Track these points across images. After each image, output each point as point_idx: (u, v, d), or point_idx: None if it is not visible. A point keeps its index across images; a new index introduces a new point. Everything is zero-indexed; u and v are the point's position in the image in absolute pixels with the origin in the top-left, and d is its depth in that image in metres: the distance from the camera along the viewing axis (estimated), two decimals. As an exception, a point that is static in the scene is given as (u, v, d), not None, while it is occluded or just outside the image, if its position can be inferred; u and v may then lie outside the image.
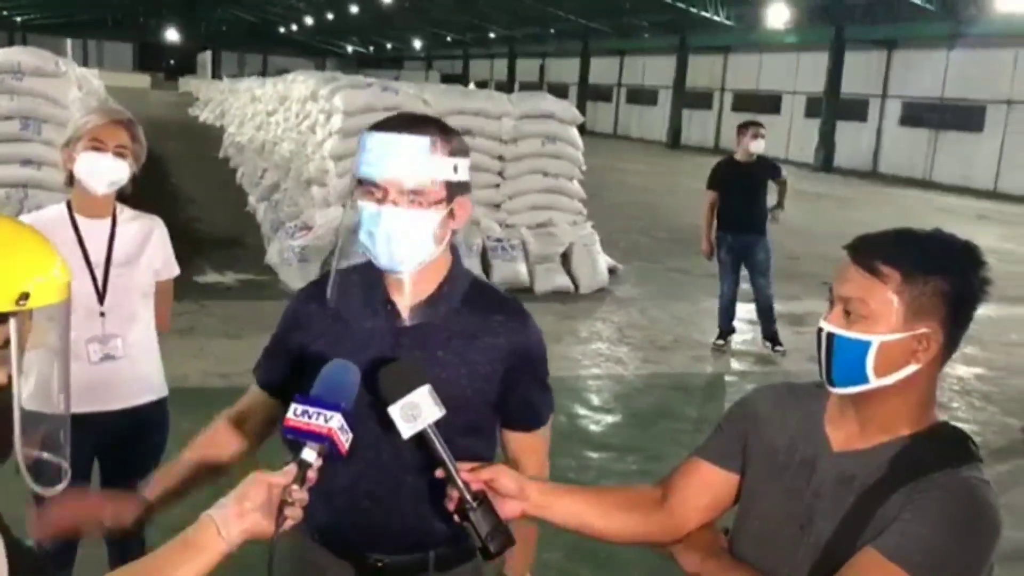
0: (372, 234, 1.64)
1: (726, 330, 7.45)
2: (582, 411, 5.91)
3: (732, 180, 7.24)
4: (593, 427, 5.67)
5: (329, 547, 1.79)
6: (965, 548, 1.32)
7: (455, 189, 1.67)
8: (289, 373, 1.78)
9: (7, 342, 0.98)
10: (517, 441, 1.85)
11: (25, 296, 0.95)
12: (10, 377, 0.99)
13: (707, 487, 1.61)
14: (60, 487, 1.11)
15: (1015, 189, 21.96)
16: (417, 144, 1.62)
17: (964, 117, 24.94)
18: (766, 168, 7.39)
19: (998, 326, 8.27)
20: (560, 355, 7.00)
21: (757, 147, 7.17)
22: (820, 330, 1.44)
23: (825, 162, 27.57)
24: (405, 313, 1.71)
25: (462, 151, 1.70)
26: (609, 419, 5.83)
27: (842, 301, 1.41)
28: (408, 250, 1.65)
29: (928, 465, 1.38)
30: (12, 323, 0.96)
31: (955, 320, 1.39)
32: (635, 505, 1.63)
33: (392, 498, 1.73)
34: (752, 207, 7.20)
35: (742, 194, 7.16)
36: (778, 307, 9.06)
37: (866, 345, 1.38)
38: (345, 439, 1.41)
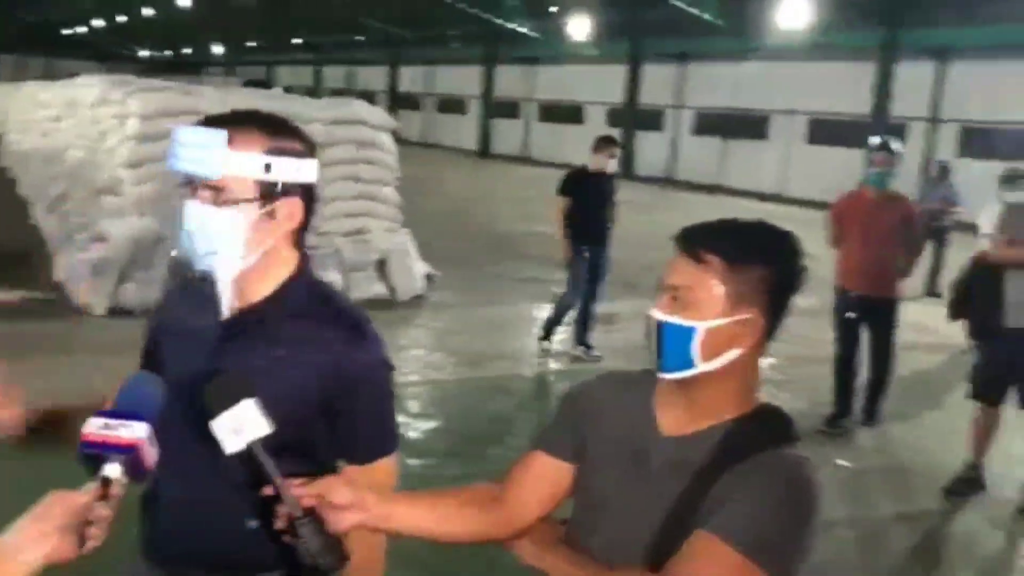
0: (184, 231, 1.58)
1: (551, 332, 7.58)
2: (401, 419, 5.81)
3: (587, 191, 7.28)
4: (413, 434, 5.61)
5: (162, 566, 1.69)
6: (790, 523, 1.39)
7: (271, 189, 1.57)
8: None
9: None
10: (355, 474, 1.66)
11: None
12: None
13: (544, 479, 1.61)
14: None
15: (798, 192, 23.76)
16: (212, 137, 1.55)
17: (751, 126, 26.77)
18: (611, 182, 7.53)
19: (788, 318, 8.87)
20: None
21: (613, 167, 7.35)
22: (650, 318, 1.48)
23: (626, 169, 28.76)
24: (224, 319, 1.61)
25: (288, 151, 1.59)
26: (430, 425, 5.80)
27: (671, 289, 1.46)
28: (209, 248, 1.56)
29: (753, 446, 1.44)
30: None
31: (775, 306, 1.46)
32: (474, 504, 1.61)
33: (221, 519, 1.63)
34: (604, 218, 7.39)
35: (598, 206, 7.30)
36: (588, 308, 9.36)
37: (692, 331, 1.43)
38: (151, 452, 1.31)
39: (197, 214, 1.56)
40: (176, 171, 1.58)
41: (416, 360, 7.18)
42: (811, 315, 9.18)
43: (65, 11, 53.81)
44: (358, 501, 1.47)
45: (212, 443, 1.41)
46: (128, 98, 8.42)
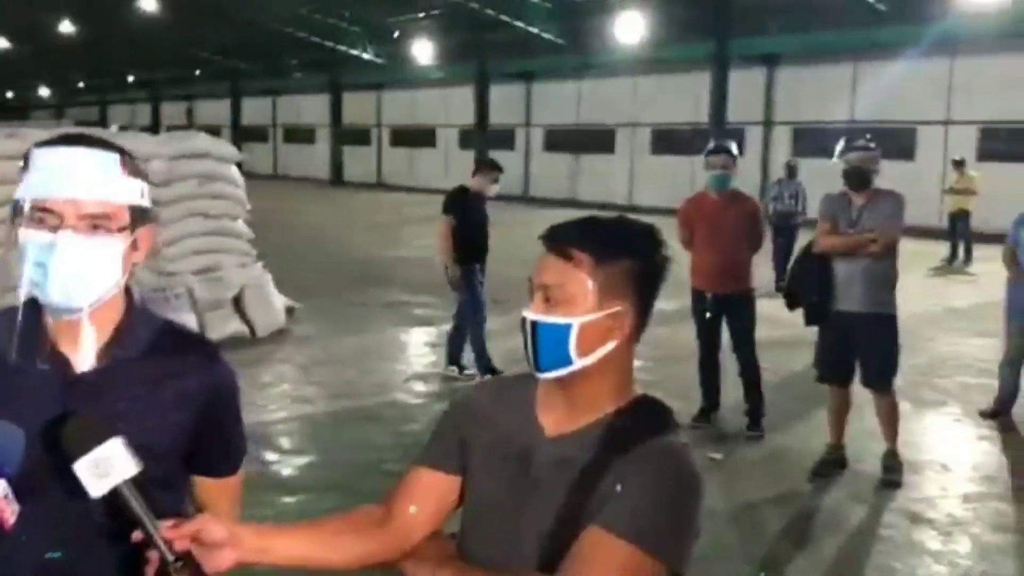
0: (44, 266, 1.40)
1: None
2: (273, 456, 5.63)
3: (472, 210, 7.20)
4: (287, 471, 5.41)
5: None
6: (677, 509, 1.40)
7: (140, 216, 1.49)
8: None
9: None
10: (211, 487, 1.68)
11: None
12: None
13: (430, 493, 1.58)
14: None
15: (646, 201, 24.54)
16: (105, 160, 1.43)
17: (598, 140, 27.53)
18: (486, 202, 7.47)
19: (653, 321, 9.11)
20: (243, 403, 6.61)
21: (494, 191, 7.39)
22: (524, 319, 1.46)
23: (482, 189, 29.03)
24: (77, 362, 1.48)
25: (145, 175, 1.51)
26: (302, 460, 5.61)
27: (542, 289, 1.46)
28: (88, 286, 1.43)
29: (634, 437, 1.45)
30: None
31: (644, 296, 1.48)
32: (358, 527, 1.55)
33: (92, 572, 1.50)
34: (487, 237, 7.30)
35: (482, 224, 7.21)
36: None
37: (567, 328, 1.43)
38: (11, 510, 1.21)
39: (74, 246, 1.40)
40: (41, 199, 1.40)
41: (283, 396, 6.95)
42: (673, 317, 9.51)
43: None
44: (232, 538, 1.39)
45: (72, 493, 1.33)
46: (-55, 144, 7.81)
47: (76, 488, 1.32)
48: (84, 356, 1.48)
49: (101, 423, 1.35)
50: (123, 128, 13.47)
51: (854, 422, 5.57)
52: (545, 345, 1.45)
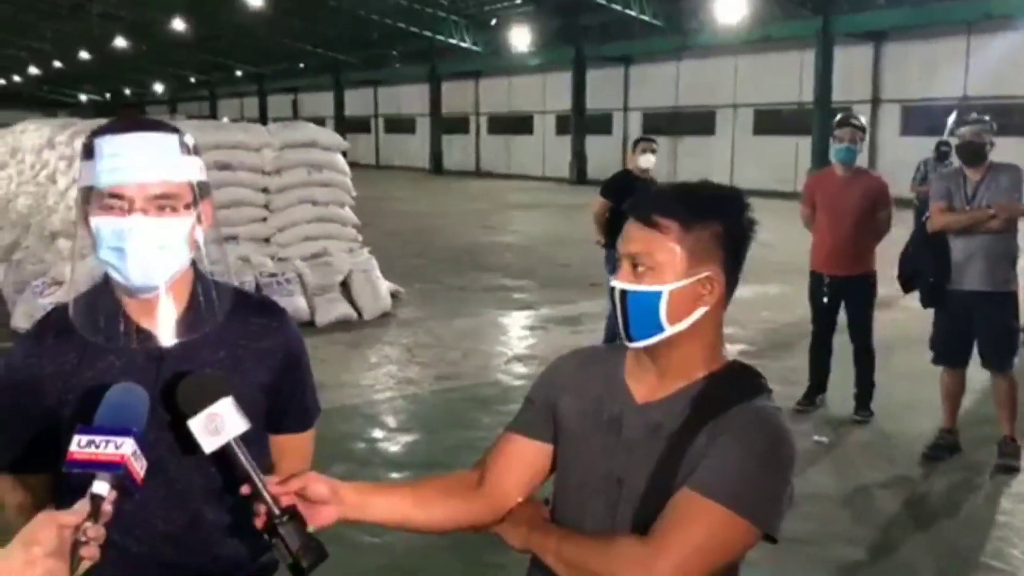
0: (121, 251, 1.46)
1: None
2: (380, 434, 5.81)
3: (628, 194, 7.10)
4: (393, 448, 5.58)
5: None
6: (769, 472, 1.42)
7: (202, 191, 1.54)
8: (36, 444, 1.58)
9: None
10: (286, 443, 1.74)
11: None
12: None
13: (522, 461, 1.61)
14: None
15: (747, 182, 24.00)
16: (166, 142, 1.48)
17: (697, 122, 27.08)
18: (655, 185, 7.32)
19: (750, 306, 9.00)
20: (351, 383, 6.86)
21: (645, 161, 7.08)
22: (613, 289, 1.49)
23: (579, 175, 28.95)
24: (161, 335, 1.55)
25: (198, 150, 1.57)
26: (408, 438, 5.76)
27: (629, 258, 1.47)
28: (165, 265, 1.49)
29: (726, 401, 1.46)
30: None
31: (732, 260, 1.49)
32: (453, 491, 1.60)
33: (193, 533, 1.59)
34: None
35: None
36: (553, 311, 9.42)
37: (657, 295, 1.45)
38: (139, 466, 1.28)
39: (149, 228, 1.46)
40: (110, 186, 1.45)
41: (389, 376, 7.14)
42: (779, 301, 9.35)
43: (-1, 61, 52.92)
44: (334, 495, 1.46)
45: (176, 454, 1.42)
46: (75, 139, 8.30)
47: (178, 452, 1.40)
48: (166, 330, 1.55)
49: (214, 382, 1.42)
50: (233, 121, 13.96)
51: (969, 406, 5.39)
52: (636, 313, 1.47)
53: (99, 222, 1.47)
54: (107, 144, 1.46)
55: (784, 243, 11.04)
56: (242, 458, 1.39)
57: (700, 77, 26.67)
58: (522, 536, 1.56)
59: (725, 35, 23.81)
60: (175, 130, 1.52)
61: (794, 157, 23.56)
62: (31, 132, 11.64)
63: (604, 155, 29.10)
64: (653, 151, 7.11)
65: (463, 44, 32.83)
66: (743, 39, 23.71)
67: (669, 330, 1.46)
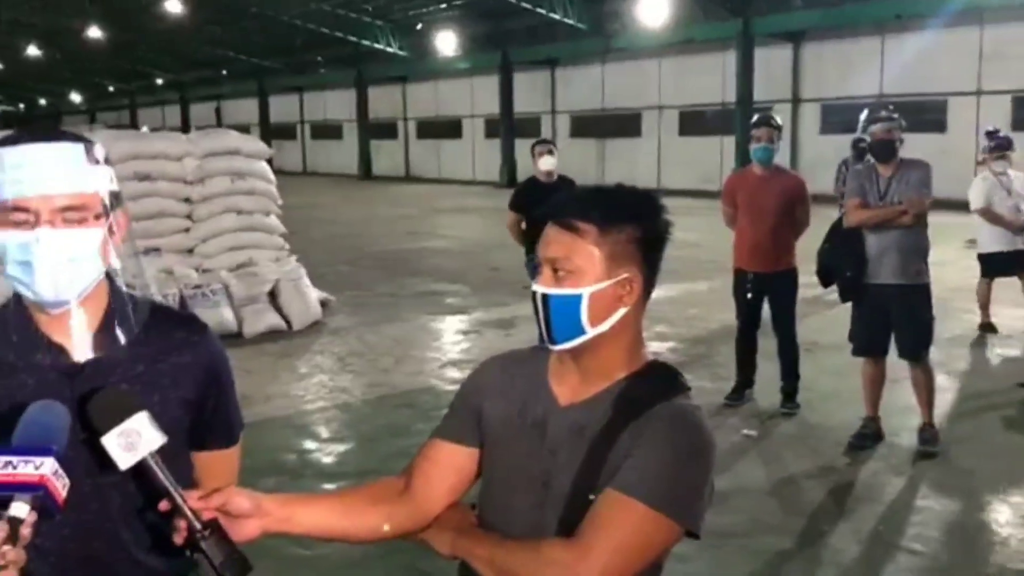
0: (28, 265, 1.41)
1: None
2: (312, 445, 5.74)
3: (535, 202, 6.92)
4: (326, 459, 5.52)
5: None
6: (688, 468, 1.44)
7: (113, 202, 1.49)
8: None
9: None
10: (210, 460, 1.70)
11: None
12: None
13: (448, 466, 1.61)
14: None
15: (674, 182, 24.43)
16: (72, 152, 1.43)
17: (624, 124, 27.42)
18: (569, 188, 7.16)
19: (677, 304, 9.14)
20: (281, 394, 6.76)
21: (545, 164, 7.00)
22: (534, 293, 1.50)
23: (510, 178, 29.02)
24: (74, 351, 1.50)
25: (109, 160, 1.52)
26: (341, 448, 5.70)
27: (549, 262, 1.49)
28: (76, 278, 1.44)
29: (646, 401, 1.48)
30: None
31: (650, 261, 1.52)
32: (379, 499, 1.59)
33: (110, 554, 1.54)
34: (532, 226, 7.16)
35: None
36: (486, 315, 9.43)
37: (578, 298, 1.46)
38: (61, 485, 1.25)
39: (56, 241, 1.41)
40: (14, 199, 1.40)
41: (321, 385, 7.05)
42: (705, 298, 9.51)
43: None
44: (257, 508, 1.44)
45: (90, 474, 1.38)
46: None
47: (94, 469, 1.37)
48: (80, 345, 1.50)
49: (128, 397, 1.39)
50: (154, 130, 13.64)
51: (889, 396, 5.56)
52: (557, 317, 1.48)
53: (4, 236, 1.41)
54: (8, 155, 1.41)
55: (710, 242, 11.25)
56: (160, 474, 1.36)
57: (625, 79, 27.02)
58: (449, 542, 1.56)
59: (648, 38, 24.17)
60: (81, 139, 1.48)
61: (719, 157, 24.01)
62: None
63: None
64: (551, 152, 7.11)
65: (389, 49, 32.67)
66: (666, 41, 24.10)
67: (590, 332, 1.48)
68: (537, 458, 1.52)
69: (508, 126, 29.54)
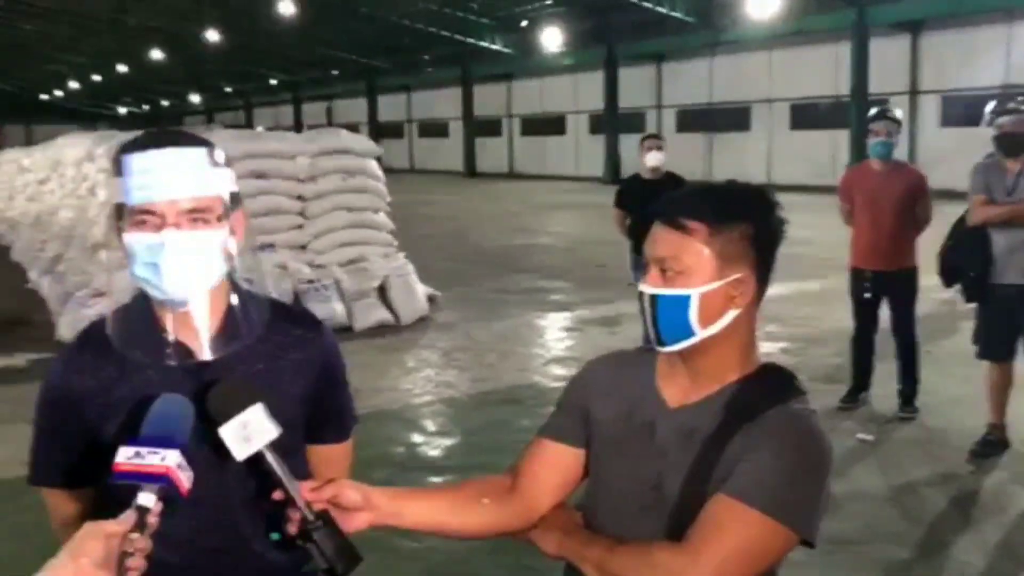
0: (156, 266, 1.46)
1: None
2: (419, 439, 5.83)
3: (639, 199, 6.59)
4: (433, 452, 5.59)
5: None
6: (803, 475, 1.40)
7: (233, 203, 1.54)
8: (80, 459, 1.58)
9: None
10: (325, 454, 1.75)
11: None
12: None
13: (554, 466, 1.60)
14: None
15: (784, 179, 23.83)
16: (195, 157, 1.48)
17: (732, 118, 26.89)
18: (676, 185, 6.55)
19: (790, 303, 8.90)
20: (389, 387, 6.89)
21: (652, 160, 6.86)
22: (641, 293, 1.47)
23: (614, 174, 28.87)
24: (199, 349, 1.54)
25: (229, 162, 1.56)
26: (447, 442, 5.77)
27: (657, 262, 1.45)
28: (200, 277, 1.49)
29: (760, 405, 1.44)
30: None
31: (763, 261, 1.46)
32: (487, 496, 1.59)
33: (232, 544, 1.59)
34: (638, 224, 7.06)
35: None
36: (591, 312, 9.39)
37: (686, 299, 1.42)
38: (185, 477, 1.29)
39: (181, 243, 1.46)
40: (142, 203, 1.45)
41: (427, 380, 7.16)
42: (820, 297, 9.24)
43: (40, 77, 54.00)
44: (367, 501, 1.46)
45: (210, 464, 1.42)
46: (113, 151, 8.41)
47: (212, 460, 1.41)
48: (203, 343, 1.54)
49: (244, 390, 1.42)
50: (269, 129, 14.09)
51: (1016, 402, 5.28)
52: (665, 318, 1.44)
53: (132, 238, 1.47)
54: (136, 161, 1.46)
55: (824, 239, 10.92)
56: (274, 464, 1.40)
57: (734, 72, 26.49)
58: (556, 542, 1.55)
59: (758, 30, 23.61)
60: (204, 143, 1.53)
61: (831, 151, 23.28)
62: (71, 147, 11.86)
63: (637, 153, 29.06)
64: (659, 148, 6.92)
65: (494, 47, 32.90)
66: (777, 33, 23.50)
67: (700, 334, 1.44)
68: (646, 461, 1.49)
69: (612, 122, 29.36)
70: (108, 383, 1.55)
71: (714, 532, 1.36)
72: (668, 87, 29.14)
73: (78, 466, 1.60)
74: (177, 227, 1.45)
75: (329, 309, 8.37)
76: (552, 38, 29.60)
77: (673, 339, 1.45)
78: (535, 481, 1.59)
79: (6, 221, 15.20)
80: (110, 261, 8.41)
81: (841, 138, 22.54)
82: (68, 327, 8.09)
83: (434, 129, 40.50)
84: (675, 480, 1.45)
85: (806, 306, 8.99)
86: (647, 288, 1.46)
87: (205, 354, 1.55)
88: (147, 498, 1.25)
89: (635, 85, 29.25)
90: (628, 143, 29.04)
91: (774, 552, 1.39)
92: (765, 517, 1.34)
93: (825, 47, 23.32)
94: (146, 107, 65.73)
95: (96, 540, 1.18)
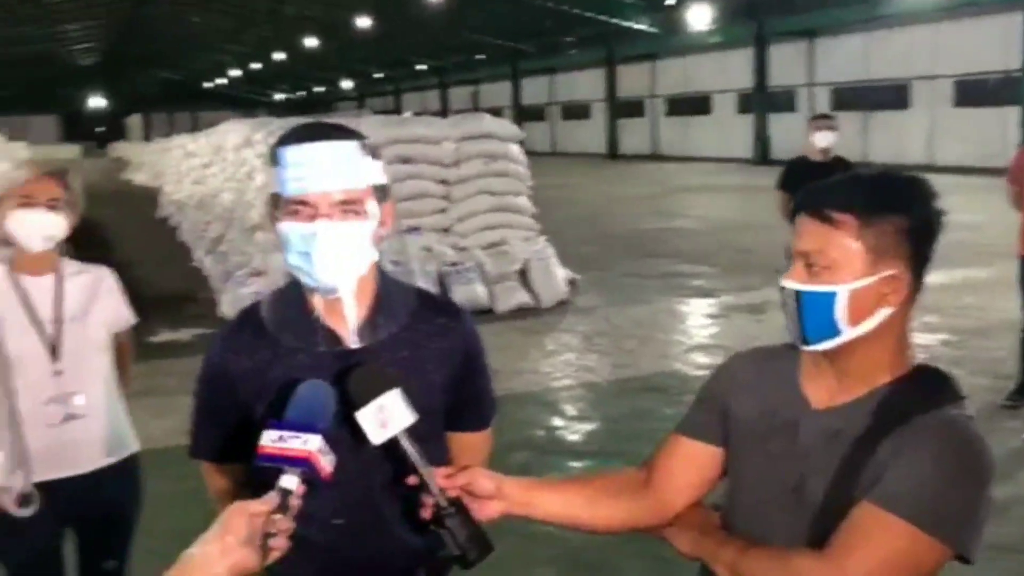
0: (308, 255, 1.52)
1: None
2: (559, 422, 5.85)
3: (805, 182, 6.55)
4: (572, 437, 5.60)
5: None
6: (960, 486, 1.30)
7: (381, 194, 1.59)
8: (234, 435, 1.65)
9: None
10: (463, 441, 1.78)
11: None
12: None
13: (691, 463, 1.56)
14: (34, 508, 1.02)
15: (947, 160, 22.50)
16: (347, 150, 1.53)
17: (890, 96, 25.54)
18: (844, 169, 6.60)
19: (952, 292, 8.40)
20: (529, 370, 6.94)
21: (822, 140, 6.61)
22: (784, 289, 1.39)
23: (762, 155, 28.02)
24: (347, 335, 1.60)
25: (378, 154, 1.61)
26: (587, 427, 5.77)
27: (801, 256, 1.37)
28: (350, 266, 1.55)
29: (913, 409, 1.35)
30: None
31: (919, 256, 1.36)
32: (620, 491, 1.57)
33: (371, 525, 1.64)
34: None
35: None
36: (735, 299, 9.16)
37: (832, 296, 1.34)
38: (327, 461, 1.33)
39: (332, 233, 1.51)
40: (297, 194, 1.51)
41: (567, 364, 7.17)
42: (984, 286, 8.69)
43: (204, 66, 57.21)
44: (499, 491, 1.47)
45: (350, 446, 1.44)
46: (270, 137, 8.82)
47: (353, 442, 1.44)
48: (351, 330, 1.60)
49: (383, 374, 1.45)
50: (416, 114, 14.40)
51: None
52: (810, 316, 1.36)
53: (286, 227, 1.54)
54: (291, 153, 1.52)
55: (991, 224, 10.25)
56: (410, 450, 1.42)
57: (893, 48, 25.10)
58: (691, 541, 1.51)
59: (920, 2, 22.30)
60: (355, 135, 1.58)
61: (1000, 129, 21.78)
62: (232, 132, 12.50)
63: (788, 133, 27.99)
64: (830, 128, 6.62)
65: (639, 26, 32.44)
66: (941, 5, 22.13)
67: (847, 333, 1.35)
68: (788, 462, 1.43)
69: (761, 101, 28.47)
70: (262, 364, 1.62)
71: (860, 542, 1.29)
72: (821, 64, 27.93)
73: (230, 443, 1.68)
74: (329, 218, 1.51)
75: (472, 291, 8.51)
76: (699, 16, 28.90)
77: (818, 338, 1.37)
78: (670, 478, 1.56)
79: (174, 203, 16.19)
80: (266, 243, 8.85)
81: (1011, 116, 21.05)
82: (229, 304, 8.55)
83: (577, 111, 40.38)
84: (818, 484, 1.38)
85: (969, 296, 8.47)
86: (790, 283, 1.38)
87: (353, 341, 1.60)
88: (290, 480, 1.29)
89: (785, 62, 28.21)
90: (778, 122, 28.12)
91: (924, 566, 1.31)
92: (914, 529, 1.27)
93: (995, 18, 21.77)
94: (301, 93, 68.51)
95: (241, 519, 1.24)
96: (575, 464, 5.10)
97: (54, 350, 2.51)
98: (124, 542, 2.70)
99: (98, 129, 65.17)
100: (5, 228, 2.48)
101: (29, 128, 61.01)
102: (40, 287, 2.54)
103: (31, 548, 2.52)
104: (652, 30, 32.46)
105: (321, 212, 1.51)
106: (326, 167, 1.51)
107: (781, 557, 1.36)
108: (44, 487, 2.42)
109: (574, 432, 5.68)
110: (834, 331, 1.35)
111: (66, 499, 2.52)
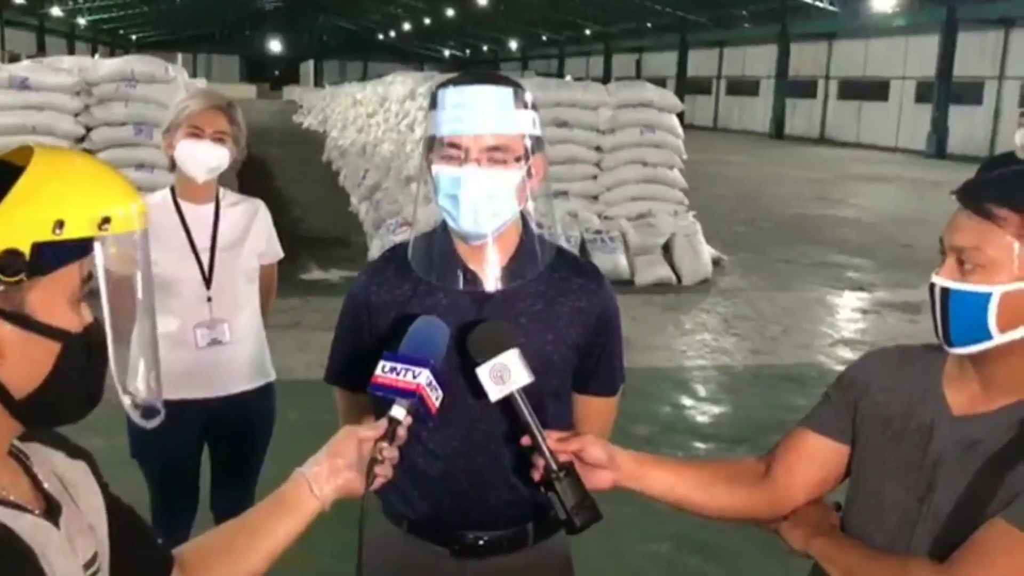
0: (455, 198, 1.55)
1: None
2: (688, 402, 5.76)
3: None
4: (700, 418, 5.51)
5: (425, 536, 1.71)
6: None
7: (534, 145, 1.58)
8: (367, 364, 1.72)
9: (89, 276, 0.94)
10: (589, 405, 1.78)
11: (107, 220, 0.92)
12: (95, 317, 0.96)
13: (815, 459, 1.50)
14: (157, 421, 1.09)
15: None
16: (502, 95, 1.53)
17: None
18: None
19: None
20: (664, 346, 6.86)
21: (1021, 137, 6.13)
22: (933, 286, 1.30)
23: (939, 149, 26.43)
24: (486, 280, 1.63)
25: (536, 106, 1.60)
26: (717, 410, 5.66)
27: (955, 252, 1.28)
28: (493, 213, 1.56)
29: None
30: (98, 248, 0.93)
31: None
32: (737, 479, 1.54)
33: (488, 471, 1.66)
34: None
35: None
36: (891, 296, 8.74)
37: (986, 297, 1.25)
38: (435, 396, 1.35)
39: (479, 178, 1.53)
40: (449, 136, 1.53)
41: (703, 344, 7.04)
42: None
43: (379, 18, 58.74)
44: (611, 461, 1.45)
45: (479, 395, 1.45)
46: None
47: (480, 393, 1.44)
48: (491, 276, 1.62)
49: (504, 333, 1.45)
50: (577, 79, 14.33)
51: None
52: (958, 316, 1.27)
53: (439, 170, 1.56)
54: (450, 95, 1.54)
55: None
56: (524, 410, 1.43)
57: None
58: (804, 539, 1.46)
59: None
60: (512, 83, 1.58)
61: None
62: (398, 84, 12.80)
63: (970, 128, 26.33)
64: None
65: (819, 4, 31.05)
66: None
67: (998, 338, 1.26)
68: (917, 467, 1.36)
69: (944, 91, 26.74)
70: (402, 299, 1.67)
71: (984, 559, 1.22)
72: (1015, 56, 25.96)
73: (363, 372, 1.74)
74: (477, 163, 1.53)
75: (613, 260, 8.45)
76: (885, -4, 27.38)
77: (964, 340, 1.28)
78: (790, 472, 1.51)
79: (338, 149, 16.78)
80: (417, 194, 9.02)
81: None
82: (377, 250, 8.83)
83: (743, 87, 39.15)
84: (947, 495, 1.31)
85: None
86: (940, 280, 1.29)
87: (491, 286, 1.62)
88: (399, 411, 1.32)
89: (975, 52, 26.37)
90: (959, 115, 26.41)
91: None
92: None
93: None
94: (468, 51, 69.40)
95: (350, 442, 1.28)
96: (699, 445, 5.02)
97: (208, 277, 2.65)
98: (253, 463, 2.86)
99: (275, 72, 68.24)
100: (174, 155, 2.62)
101: (212, 67, 64.61)
102: (200, 215, 2.68)
103: (171, 457, 2.70)
104: (832, 8, 31.00)
105: (471, 157, 1.53)
106: (480, 109, 1.52)
107: (900, 565, 1.30)
108: (186, 405, 2.56)
109: (702, 413, 5.59)
110: (983, 335, 1.27)
111: (205, 418, 2.68)
